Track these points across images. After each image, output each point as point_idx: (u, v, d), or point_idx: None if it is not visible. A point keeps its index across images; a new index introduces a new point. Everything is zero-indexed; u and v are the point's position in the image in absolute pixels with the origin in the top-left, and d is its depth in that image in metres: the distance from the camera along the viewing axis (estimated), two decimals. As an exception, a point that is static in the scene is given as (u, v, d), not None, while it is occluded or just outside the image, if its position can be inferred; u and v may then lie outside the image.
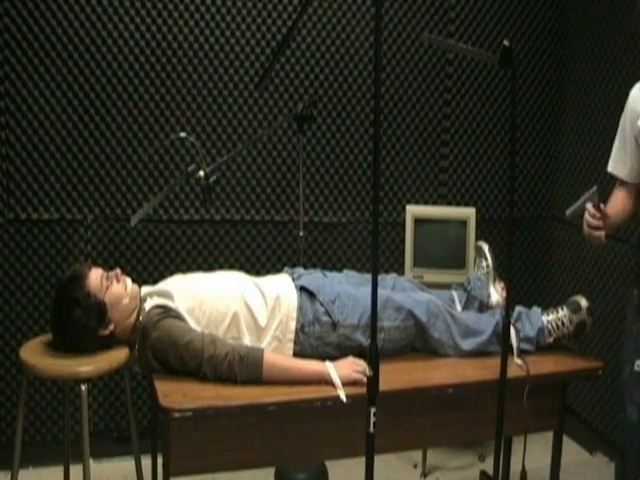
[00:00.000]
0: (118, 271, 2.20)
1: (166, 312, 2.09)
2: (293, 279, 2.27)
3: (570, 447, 3.25)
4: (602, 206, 2.12)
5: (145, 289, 2.24)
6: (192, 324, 2.11)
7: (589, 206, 2.11)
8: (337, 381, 1.97)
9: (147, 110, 3.01)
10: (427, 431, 2.13)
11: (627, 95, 2.30)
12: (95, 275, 2.14)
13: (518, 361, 2.20)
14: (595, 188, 2.12)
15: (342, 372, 1.99)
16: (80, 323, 2.09)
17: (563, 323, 2.30)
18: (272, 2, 3.08)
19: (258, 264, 3.19)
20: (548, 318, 2.32)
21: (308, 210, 3.24)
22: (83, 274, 2.14)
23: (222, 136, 3.11)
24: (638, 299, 2.13)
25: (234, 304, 2.14)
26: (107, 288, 2.13)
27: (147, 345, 2.04)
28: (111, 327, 2.13)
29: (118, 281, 2.17)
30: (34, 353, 2.14)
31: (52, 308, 2.19)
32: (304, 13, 2.95)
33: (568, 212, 2.19)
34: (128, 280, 2.21)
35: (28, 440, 2.99)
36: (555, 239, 3.56)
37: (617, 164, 2.23)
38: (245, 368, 1.96)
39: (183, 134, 2.96)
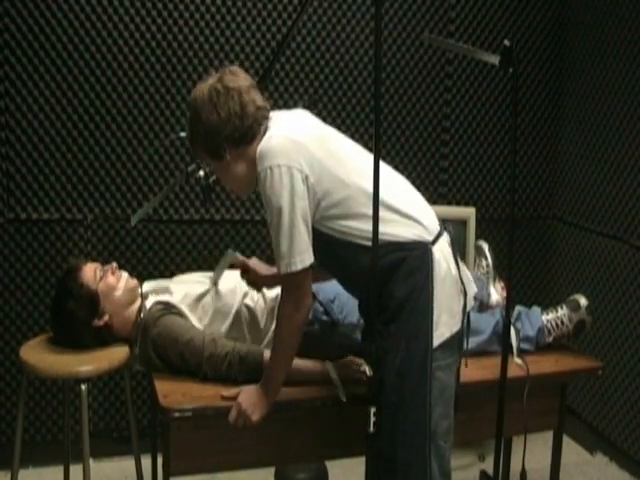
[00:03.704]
0: (114, 265, 2.21)
1: (168, 309, 2.10)
2: (293, 279, 2.27)
3: (570, 447, 3.25)
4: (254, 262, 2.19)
5: (147, 286, 2.25)
6: (194, 322, 2.11)
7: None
8: (337, 381, 1.97)
9: (147, 110, 3.01)
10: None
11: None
12: (89, 267, 2.16)
13: (518, 361, 2.20)
14: (230, 251, 2.19)
15: (342, 372, 1.99)
16: (74, 314, 2.10)
17: (563, 322, 2.31)
18: (272, 2, 3.08)
19: (258, 264, 3.19)
20: (548, 317, 2.32)
21: (308, 210, 3.24)
22: (78, 267, 2.16)
23: (222, 136, 3.11)
24: None
25: (236, 304, 2.15)
26: (101, 279, 2.14)
27: (148, 341, 2.04)
28: (105, 318, 2.14)
29: (113, 274, 2.18)
30: (34, 353, 2.14)
31: (50, 302, 2.21)
32: (304, 13, 2.95)
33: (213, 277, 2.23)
34: (125, 274, 2.22)
35: (28, 440, 2.98)
36: (555, 239, 3.56)
37: None
38: (245, 368, 1.97)
39: (183, 134, 2.95)
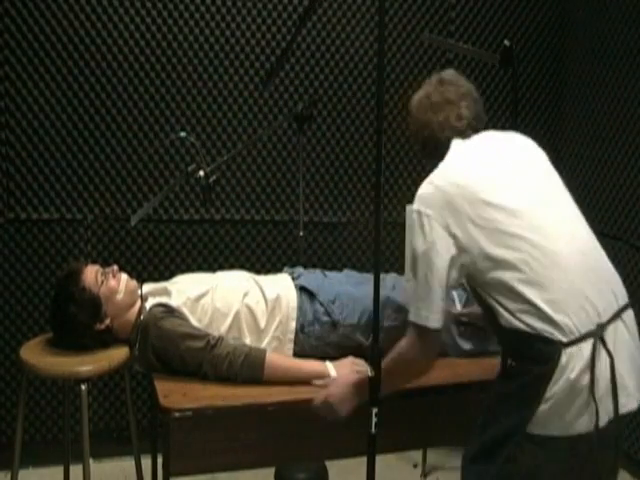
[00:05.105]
0: (115, 267, 2.20)
1: (168, 311, 2.09)
2: (293, 278, 2.27)
3: (570, 447, 3.24)
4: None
5: (147, 288, 2.24)
6: (194, 323, 2.11)
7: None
8: (337, 381, 1.96)
9: (147, 110, 3.01)
10: (427, 431, 2.13)
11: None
12: (90, 271, 2.15)
13: (518, 361, 2.19)
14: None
15: (342, 372, 1.99)
16: (76, 318, 2.09)
17: (563, 323, 2.29)
18: (272, 1, 3.08)
19: (258, 264, 3.19)
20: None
21: (308, 210, 3.24)
22: (79, 270, 2.15)
23: (222, 136, 3.11)
24: None
25: (236, 304, 2.14)
26: (102, 283, 2.13)
27: (148, 344, 2.04)
28: (107, 322, 2.13)
29: (114, 277, 2.17)
30: (34, 353, 2.14)
31: (50, 305, 2.21)
32: (309, 19, 2.95)
33: None
34: (124, 276, 2.21)
35: (28, 440, 2.98)
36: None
37: None
38: (246, 368, 1.96)
39: (183, 134, 2.95)
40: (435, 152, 1.82)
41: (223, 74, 3.08)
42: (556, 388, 1.57)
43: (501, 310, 1.62)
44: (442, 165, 1.78)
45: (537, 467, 1.62)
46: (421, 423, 2.09)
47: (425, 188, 1.72)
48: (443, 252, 1.63)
